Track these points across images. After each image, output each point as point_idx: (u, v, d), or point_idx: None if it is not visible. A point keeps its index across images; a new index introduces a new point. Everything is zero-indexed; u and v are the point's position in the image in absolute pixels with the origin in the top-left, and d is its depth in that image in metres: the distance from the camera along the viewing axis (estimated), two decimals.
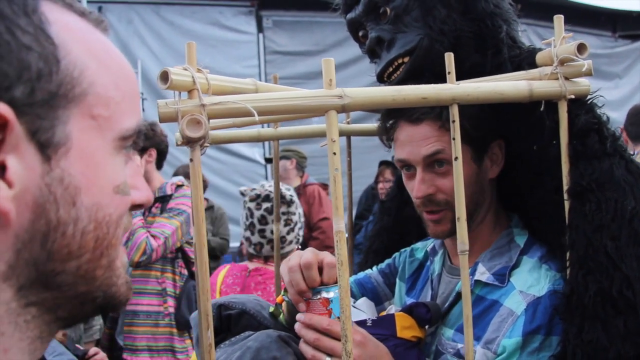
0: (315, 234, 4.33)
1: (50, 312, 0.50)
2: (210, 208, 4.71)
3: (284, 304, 1.17)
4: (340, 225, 0.86)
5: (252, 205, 2.43)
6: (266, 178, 6.37)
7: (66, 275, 0.49)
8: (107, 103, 0.51)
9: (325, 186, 4.59)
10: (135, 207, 0.57)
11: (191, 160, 0.84)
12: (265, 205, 2.39)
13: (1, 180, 0.44)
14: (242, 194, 2.46)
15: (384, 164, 4.75)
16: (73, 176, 0.48)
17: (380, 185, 4.65)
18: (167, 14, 6.23)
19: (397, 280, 1.46)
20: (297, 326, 1.07)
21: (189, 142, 0.83)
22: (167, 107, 0.86)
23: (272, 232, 2.33)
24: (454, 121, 1.01)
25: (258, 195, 2.42)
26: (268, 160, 5.70)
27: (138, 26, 6.16)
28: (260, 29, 6.49)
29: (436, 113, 1.15)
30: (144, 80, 5.80)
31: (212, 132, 1.36)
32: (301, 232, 2.60)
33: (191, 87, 0.86)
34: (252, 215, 2.42)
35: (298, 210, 2.57)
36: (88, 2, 4.91)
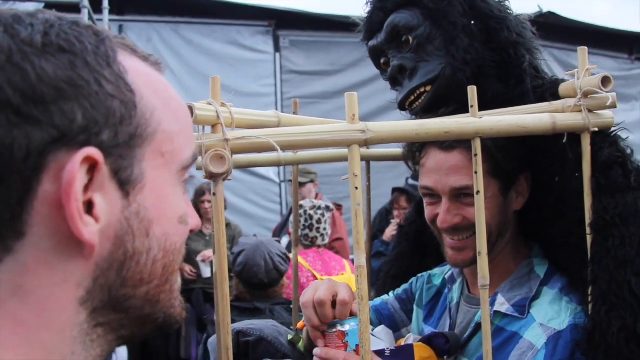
0: None
1: (114, 331, 0.54)
2: (227, 225, 4.70)
3: (304, 330, 1.16)
4: (361, 259, 0.85)
5: (312, 212, 3.44)
6: (280, 197, 6.37)
7: (136, 299, 0.54)
8: (171, 138, 0.56)
9: (338, 206, 4.56)
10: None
11: (214, 194, 0.84)
12: (319, 212, 3.46)
13: (90, 216, 0.48)
14: (301, 205, 3.43)
15: (397, 191, 4.64)
16: (147, 209, 0.53)
17: (396, 213, 4.55)
18: (186, 33, 6.28)
19: (415, 306, 1.44)
20: None
21: (212, 176, 0.83)
22: None
23: (324, 228, 3.46)
24: (476, 155, 1.00)
25: (314, 206, 3.48)
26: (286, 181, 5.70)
27: (157, 45, 6.21)
28: (277, 48, 6.51)
29: (469, 142, 1.14)
30: None
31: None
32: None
33: (215, 121, 0.86)
34: (311, 218, 3.43)
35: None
36: (110, 20, 4.97)
